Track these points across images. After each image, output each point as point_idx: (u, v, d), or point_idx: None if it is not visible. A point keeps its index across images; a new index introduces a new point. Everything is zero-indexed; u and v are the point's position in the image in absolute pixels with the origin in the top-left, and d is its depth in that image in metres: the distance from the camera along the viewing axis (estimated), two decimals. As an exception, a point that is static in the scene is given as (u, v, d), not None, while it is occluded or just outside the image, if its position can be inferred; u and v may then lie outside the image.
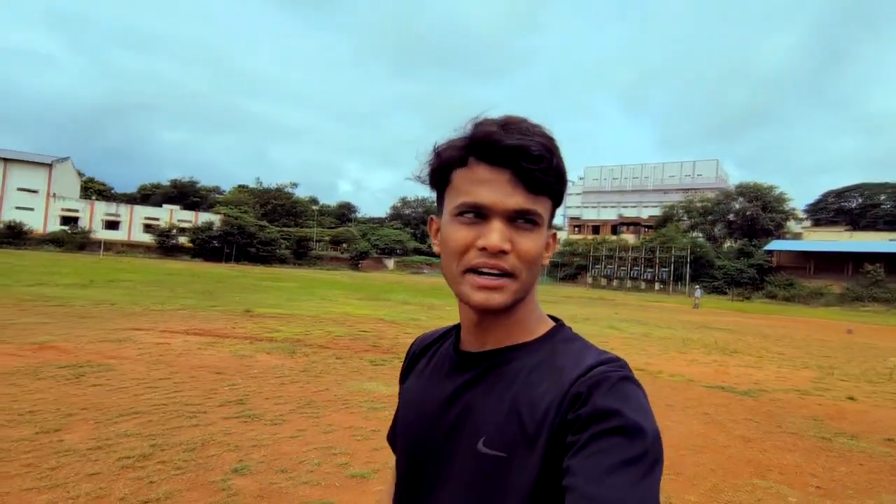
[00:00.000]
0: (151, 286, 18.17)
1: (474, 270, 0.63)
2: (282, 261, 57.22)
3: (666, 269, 56.41)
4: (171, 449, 3.67)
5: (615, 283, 60.61)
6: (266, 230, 58.14)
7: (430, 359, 0.78)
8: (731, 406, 6.26)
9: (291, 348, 8.10)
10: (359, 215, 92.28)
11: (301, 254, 60.51)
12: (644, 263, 59.11)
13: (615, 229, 75.49)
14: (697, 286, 37.62)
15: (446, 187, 0.67)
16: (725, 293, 49.98)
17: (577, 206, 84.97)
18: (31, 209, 56.07)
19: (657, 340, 12.79)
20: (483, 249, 0.62)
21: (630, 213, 77.91)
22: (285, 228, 63.57)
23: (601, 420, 0.56)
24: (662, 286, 56.33)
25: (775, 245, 54.78)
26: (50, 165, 58.63)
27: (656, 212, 72.29)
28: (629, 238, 68.77)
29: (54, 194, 58.48)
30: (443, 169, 0.66)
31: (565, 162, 0.66)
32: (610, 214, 79.99)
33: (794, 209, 62.10)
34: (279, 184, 76.96)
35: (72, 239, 51.62)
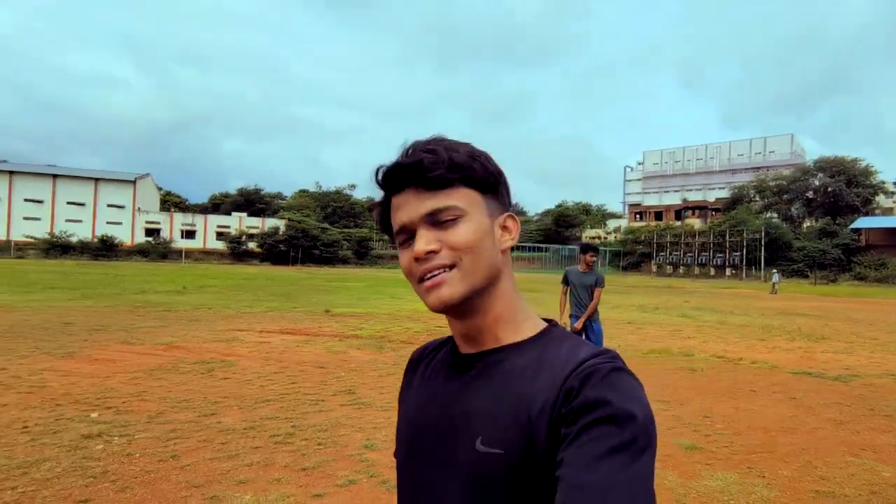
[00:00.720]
0: (235, 290, 19.69)
1: (421, 279, 0.67)
2: (344, 261, 59.45)
3: (738, 254, 53.67)
4: (308, 429, 4.31)
5: (682, 270, 58.35)
6: (328, 232, 60.58)
7: (427, 366, 0.80)
8: (820, 391, 6.24)
9: (378, 344, 8.76)
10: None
11: (362, 254, 62.57)
12: (713, 248, 56.51)
13: (679, 214, 72.50)
14: (775, 270, 35.63)
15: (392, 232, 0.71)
16: (807, 276, 46.92)
17: (637, 193, 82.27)
18: (120, 223, 61.39)
19: (734, 328, 12.52)
20: (417, 260, 0.66)
21: (695, 196, 74.55)
22: (346, 230, 65.93)
23: (591, 410, 0.57)
24: (734, 272, 53.66)
25: (863, 222, 50.73)
26: (134, 182, 63.88)
27: (724, 194, 68.77)
28: (695, 223, 65.88)
29: (139, 208, 63.72)
30: (383, 221, 0.73)
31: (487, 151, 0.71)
32: (673, 199, 76.88)
33: (883, 182, 57.15)
34: (337, 186, 79.84)
35: (155, 249, 56.02)
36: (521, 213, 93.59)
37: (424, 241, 0.66)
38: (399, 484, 0.77)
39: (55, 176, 60.84)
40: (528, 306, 0.74)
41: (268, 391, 5.51)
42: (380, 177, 0.69)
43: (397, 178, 0.67)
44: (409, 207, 0.67)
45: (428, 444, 0.71)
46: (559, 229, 74.29)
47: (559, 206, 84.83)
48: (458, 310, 0.68)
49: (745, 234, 52.57)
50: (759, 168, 68.01)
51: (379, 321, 11.78)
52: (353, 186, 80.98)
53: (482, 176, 0.68)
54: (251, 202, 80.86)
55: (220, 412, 4.71)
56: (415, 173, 0.66)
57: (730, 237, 54.32)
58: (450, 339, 0.79)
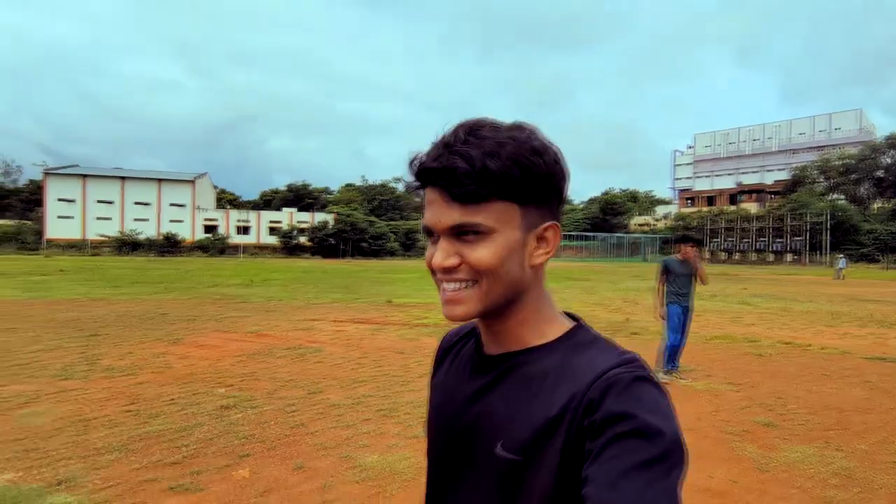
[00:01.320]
0: (296, 283, 20.75)
1: (440, 283, 0.67)
2: (391, 253, 60.68)
3: (799, 239, 51.16)
4: (405, 405, 4.82)
5: (737, 256, 56.20)
6: (375, 225, 61.94)
7: (454, 357, 0.80)
8: (895, 375, 6.24)
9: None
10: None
11: (409, 245, 63.64)
12: (771, 233, 54.07)
13: (733, 199, 69.65)
14: (840, 255, 33.88)
15: None
16: (877, 261, 44.27)
17: (687, 178, 79.52)
18: (181, 221, 65.01)
19: (799, 315, 12.28)
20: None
21: (751, 179, 71.33)
22: (392, 222, 67.20)
23: (614, 424, 0.55)
24: (795, 257, 51.22)
25: (939, 202, 47.23)
26: (193, 181, 67.41)
27: (783, 175, 65.54)
28: (751, 207, 63.20)
29: (198, 206, 67.26)
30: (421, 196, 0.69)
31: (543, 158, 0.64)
32: (726, 183, 73.88)
33: (962, 158, 52.92)
34: (383, 179, 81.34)
35: (214, 245, 58.98)
36: (566, 201, 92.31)
37: (443, 254, 0.65)
38: (428, 470, 0.78)
39: (123, 178, 65.06)
40: (554, 305, 0.72)
41: (359, 373, 6.09)
42: (414, 168, 0.66)
43: (428, 176, 0.65)
44: (436, 212, 0.65)
45: (451, 441, 0.72)
46: (606, 217, 72.96)
47: (606, 193, 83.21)
48: (475, 318, 0.68)
49: (807, 218, 50.02)
50: (822, 147, 64.30)
51: (441, 311, 12.29)
52: (398, 179, 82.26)
53: (524, 184, 0.63)
54: (300, 197, 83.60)
55: (324, 390, 5.31)
56: (445, 181, 0.63)
57: (790, 221, 51.82)
58: (475, 330, 0.78)
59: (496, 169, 0.61)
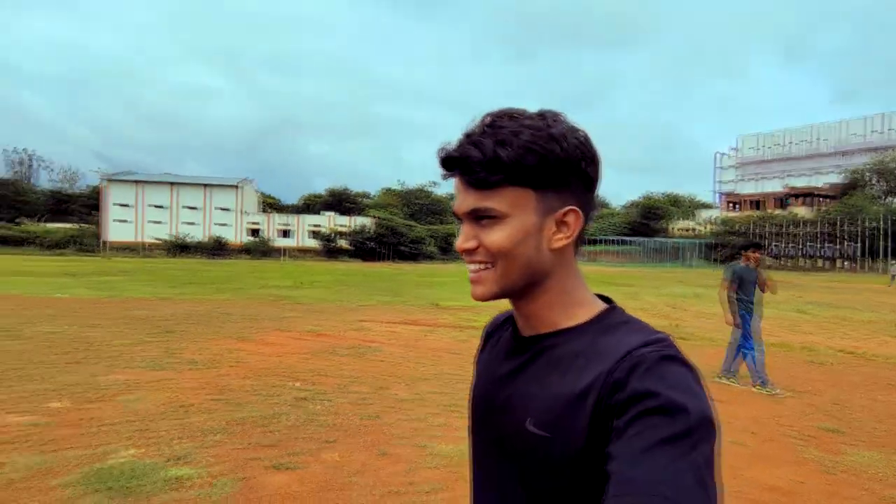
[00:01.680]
0: (341, 286, 21.36)
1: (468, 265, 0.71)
2: (429, 257, 61.24)
3: (854, 244, 48.73)
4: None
5: (787, 262, 53.98)
6: (414, 229, 62.70)
7: (496, 341, 0.83)
8: (965, 387, 6.07)
9: (495, 334, 9.46)
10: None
11: (446, 249, 64.04)
12: (823, 239, 51.72)
13: (782, 202, 66.89)
14: (894, 261, 32.17)
15: None
16: (939, 269, 41.64)
17: (731, 181, 76.98)
18: (227, 224, 67.62)
19: (859, 324, 11.88)
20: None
21: (800, 182, 68.34)
22: (431, 226, 67.84)
23: (638, 402, 0.57)
24: (850, 264, 48.82)
25: None
26: (238, 187, 70.06)
27: (836, 178, 62.50)
28: (801, 211, 60.53)
29: (243, 211, 69.86)
30: None
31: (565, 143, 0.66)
32: (774, 186, 71.01)
33: None
34: (420, 184, 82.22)
35: (258, 248, 61.07)
36: (603, 204, 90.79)
37: (463, 237, 0.70)
38: (470, 447, 0.83)
39: (172, 184, 68.34)
40: (587, 289, 0.74)
41: (420, 372, 6.39)
42: (439, 157, 0.70)
43: (449, 165, 0.69)
44: (458, 198, 0.70)
45: (486, 419, 0.76)
46: (646, 221, 71.42)
47: (646, 197, 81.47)
48: (499, 299, 0.71)
49: (863, 223, 47.60)
50: (878, 148, 61.03)
51: (490, 314, 12.47)
52: (434, 183, 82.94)
53: (539, 171, 0.65)
54: (340, 202, 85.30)
55: (389, 387, 5.63)
56: (461, 168, 0.67)
57: (845, 226, 49.43)
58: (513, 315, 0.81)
59: (507, 157, 0.64)
